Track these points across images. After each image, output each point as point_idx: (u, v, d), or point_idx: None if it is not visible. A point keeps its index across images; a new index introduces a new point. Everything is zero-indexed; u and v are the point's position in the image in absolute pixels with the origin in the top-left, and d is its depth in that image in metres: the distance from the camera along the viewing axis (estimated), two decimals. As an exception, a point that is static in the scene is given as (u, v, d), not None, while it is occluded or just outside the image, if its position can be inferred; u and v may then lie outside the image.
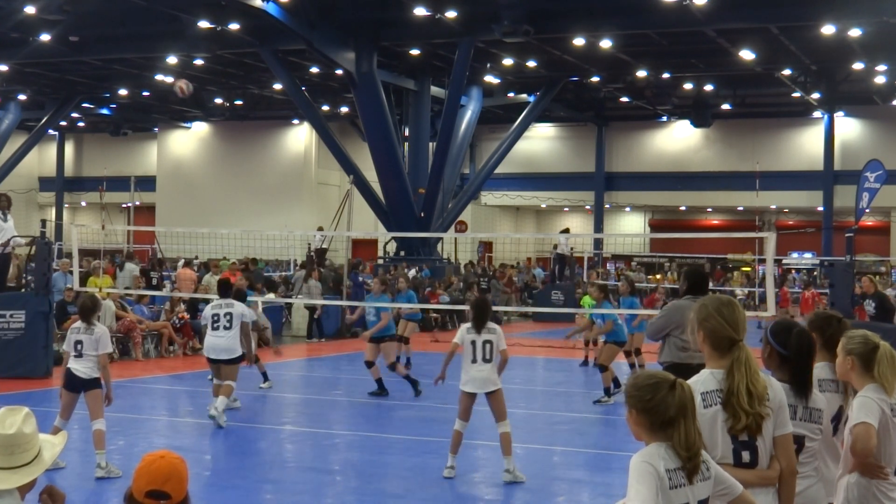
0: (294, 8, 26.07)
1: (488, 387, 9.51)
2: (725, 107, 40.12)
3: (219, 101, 42.39)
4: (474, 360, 9.50)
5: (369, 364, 15.00)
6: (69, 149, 53.04)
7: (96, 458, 9.40)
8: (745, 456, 4.05)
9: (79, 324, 9.72)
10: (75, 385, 9.56)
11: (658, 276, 40.13)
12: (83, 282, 20.00)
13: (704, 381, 4.11)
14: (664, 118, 44.07)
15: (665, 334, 8.39)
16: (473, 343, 9.52)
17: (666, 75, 35.82)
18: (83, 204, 50.95)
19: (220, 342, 12.42)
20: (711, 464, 3.71)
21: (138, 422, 12.69)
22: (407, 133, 34.84)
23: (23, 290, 17.45)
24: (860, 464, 4.73)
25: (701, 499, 3.63)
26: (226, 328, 12.42)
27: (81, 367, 9.48)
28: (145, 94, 40.73)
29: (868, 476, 4.77)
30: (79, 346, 9.51)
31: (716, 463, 3.96)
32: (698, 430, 3.62)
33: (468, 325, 9.66)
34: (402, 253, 33.34)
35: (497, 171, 39.77)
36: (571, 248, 34.78)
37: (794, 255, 43.48)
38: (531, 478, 9.87)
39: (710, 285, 39.50)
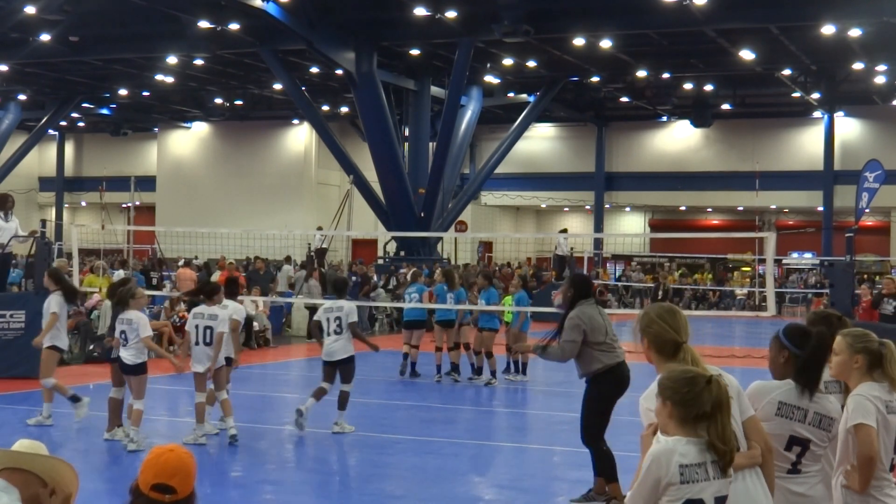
0: (294, 8, 26.07)
1: None
2: (725, 107, 40.09)
3: (219, 101, 42.38)
4: None
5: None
6: (69, 149, 53.02)
7: (128, 430, 10.54)
8: None
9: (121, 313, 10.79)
10: (125, 370, 10.64)
11: (650, 277, 40.06)
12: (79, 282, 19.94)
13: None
14: (664, 118, 44.05)
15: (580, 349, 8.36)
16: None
17: (666, 75, 35.81)
18: (83, 204, 50.92)
19: None
20: None
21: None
22: (407, 133, 34.82)
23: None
24: (867, 473, 4.59)
25: (719, 496, 3.71)
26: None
27: (127, 355, 10.53)
28: (145, 94, 40.77)
29: (865, 483, 4.63)
30: (123, 336, 10.55)
31: None
32: (733, 429, 3.83)
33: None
34: (402, 253, 33.33)
35: (497, 171, 39.76)
36: (571, 249, 34.74)
37: (794, 255, 43.44)
38: (531, 478, 9.85)
39: (712, 285, 39.56)
